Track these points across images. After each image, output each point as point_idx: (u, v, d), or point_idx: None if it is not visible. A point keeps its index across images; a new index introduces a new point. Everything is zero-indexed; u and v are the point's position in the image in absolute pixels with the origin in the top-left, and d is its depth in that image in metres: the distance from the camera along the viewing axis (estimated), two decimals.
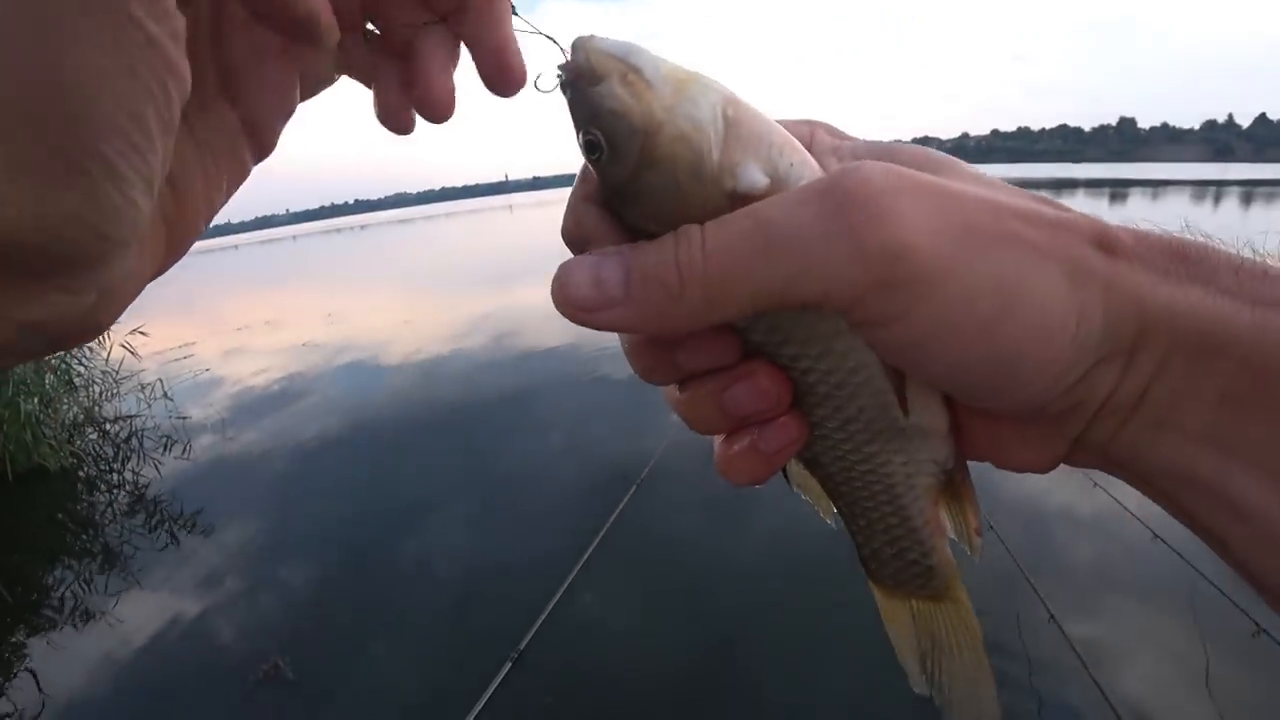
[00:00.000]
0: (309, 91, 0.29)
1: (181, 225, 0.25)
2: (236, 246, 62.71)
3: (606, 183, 0.24)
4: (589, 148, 0.23)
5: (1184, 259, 0.22)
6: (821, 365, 0.25)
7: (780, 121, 0.25)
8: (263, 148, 0.28)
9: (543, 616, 2.21)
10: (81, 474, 5.58)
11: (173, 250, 0.25)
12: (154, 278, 0.25)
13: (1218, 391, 0.22)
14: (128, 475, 5.45)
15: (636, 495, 3.15)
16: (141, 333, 7.32)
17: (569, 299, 0.24)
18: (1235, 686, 2.45)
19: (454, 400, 6.52)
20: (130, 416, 6.66)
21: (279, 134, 0.28)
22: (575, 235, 0.27)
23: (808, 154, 0.24)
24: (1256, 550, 0.23)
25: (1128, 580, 3.09)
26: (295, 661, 2.97)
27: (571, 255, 0.26)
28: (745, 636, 2.94)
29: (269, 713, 2.77)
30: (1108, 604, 2.96)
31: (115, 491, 5.14)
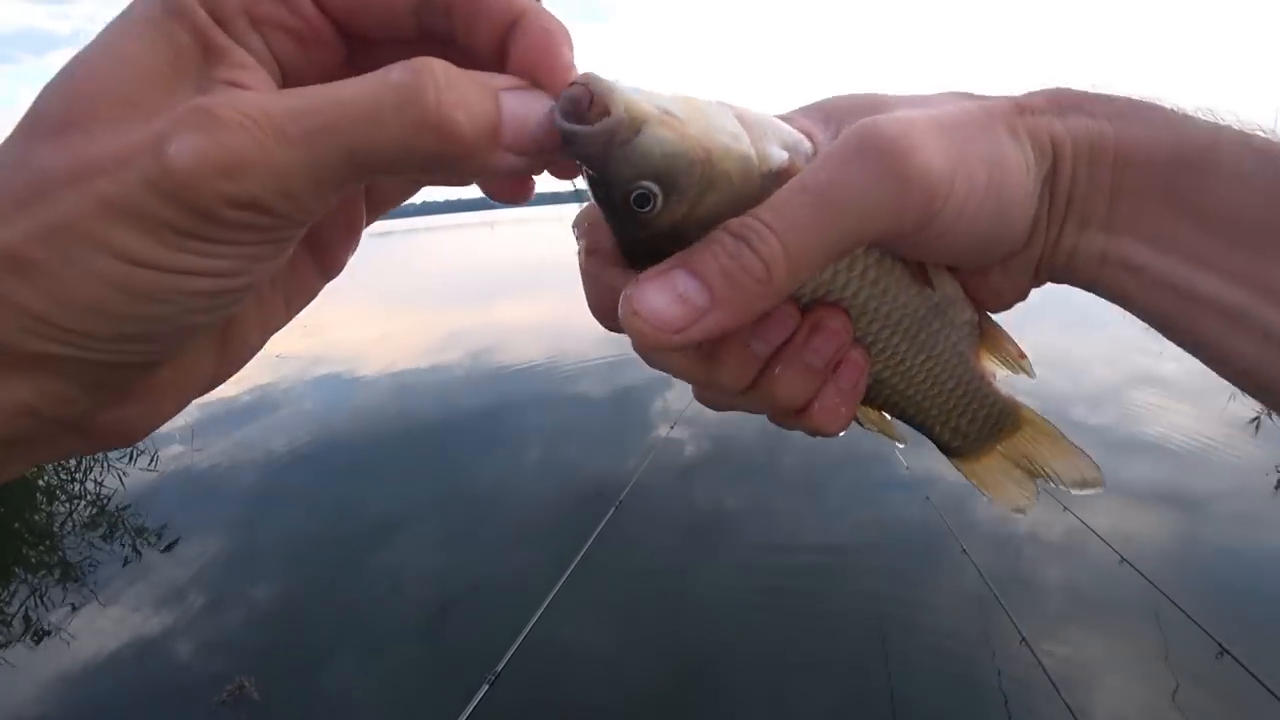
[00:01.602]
0: (384, 210, 0.30)
1: (232, 348, 0.27)
2: None
3: (654, 228, 0.23)
4: (639, 201, 0.22)
5: (1074, 104, 0.30)
6: (866, 280, 0.29)
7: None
8: (330, 268, 0.29)
9: (520, 638, 2.17)
10: (41, 483, 5.40)
11: (222, 370, 0.27)
12: (200, 395, 0.26)
13: (1109, 185, 0.29)
14: (89, 485, 5.29)
15: (616, 516, 3.14)
16: None
17: (656, 324, 0.23)
18: (1202, 708, 2.50)
19: (430, 416, 6.45)
20: None
21: (349, 255, 0.29)
22: (610, 301, 0.26)
23: (797, 132, 0.28)
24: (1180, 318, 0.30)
25: (1097, 603, 3.15)
26: (261, 682, 2.89)
27: (604, 327, 0.28)
28: (720, 661, 2.93)
29: None
30: (1078, 626, 3.01)
31: (76, 502, 4.98)
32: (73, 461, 5.82)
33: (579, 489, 4.56)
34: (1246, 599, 3.22)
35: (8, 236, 0.19)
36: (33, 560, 4.24)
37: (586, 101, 0.21)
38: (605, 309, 0.28)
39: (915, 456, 4.84)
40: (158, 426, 0.25)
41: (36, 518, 4.88)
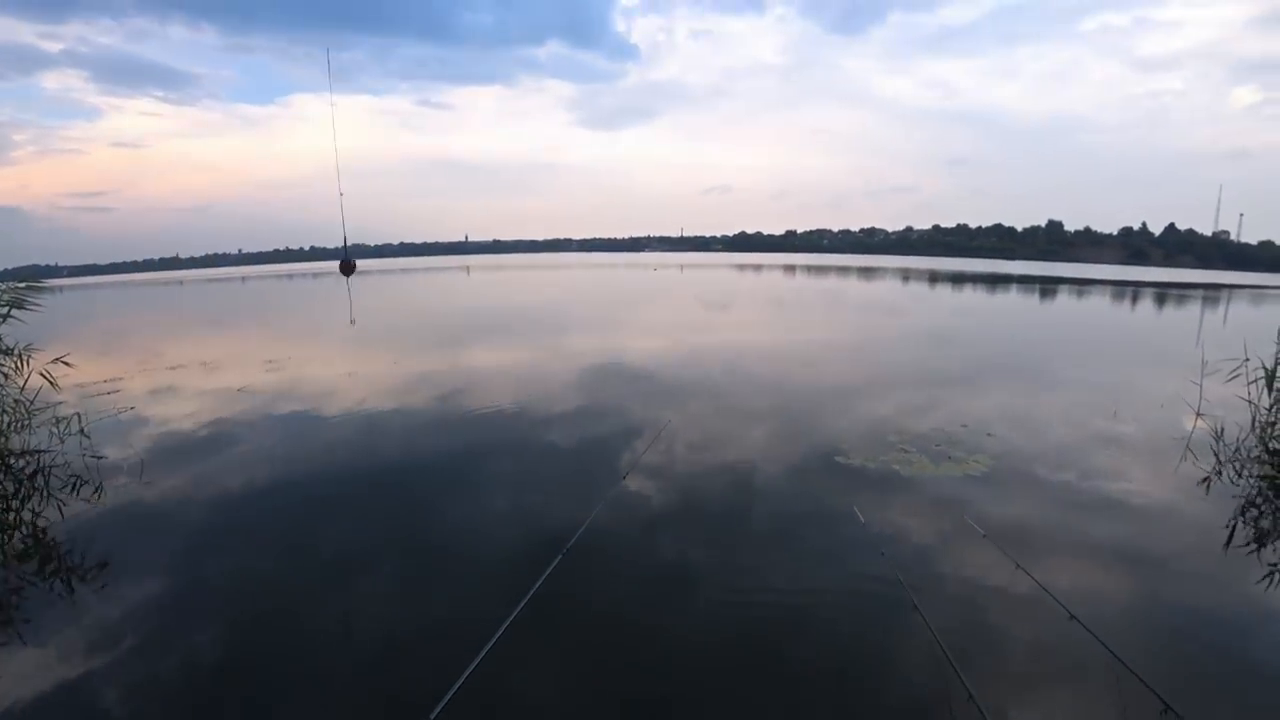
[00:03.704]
0: None
1: None
2: (182, 282, 60.60)
3: None
4: None
5: None
6: None
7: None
8: None
9: (460, 681, 2.12)
10: None
11: None
12: None
13: None
14: (26, 515, 5.05)
15: (566, 561, 3.12)
16: (65, 362, 6.94)
17: None
18: None
19: (390, 458, 6.35)
20: (39, 451, 6.23)
21: None
22: None
23: None
24: None
25: (1048, 659, 3.16)
26: None
27: None
28: (667, 707, 2.87)
29: None
30: (1028, 681, 3.01)
31: (9, 533, 4.74)
32: (10, 487, 5.58)
33: (534, 534, 4.50)
34: (1194, 656, 3.25)
35: None
36: None
37: None
38: None
39: (871, 511, 4.91)
40: None
41: None
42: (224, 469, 6.05)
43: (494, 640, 2.35)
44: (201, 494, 5.42)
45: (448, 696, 2.04)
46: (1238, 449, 6.45)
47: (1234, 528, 4.73)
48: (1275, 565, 4.16)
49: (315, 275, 62.67)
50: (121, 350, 14.60)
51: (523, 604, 2.60)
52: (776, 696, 2.87)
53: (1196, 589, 3.92)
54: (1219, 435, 6.63)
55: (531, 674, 3.05)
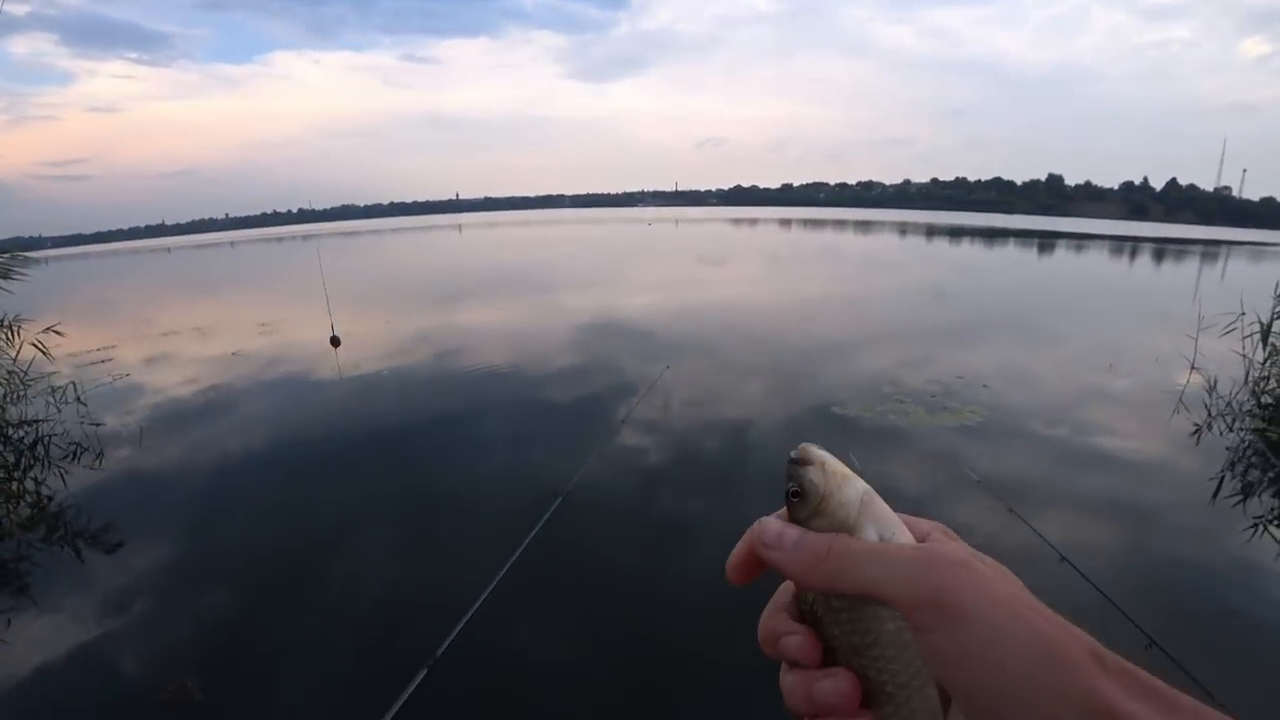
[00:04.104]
0: None
1: None
2: (169, 249, 59.68)
3: (794, 514, 0.38)
4: (791, 494, 0.38)
5: (1154, 693, 0.29)
6: (890, 666, 0.35)
7: (911, 515, 0.39)
8: None
9: (461, 624, 2.19)
10: None
11: None
12: None
13: None
14: (29, 484, 5.09)
15: (559, 512, 3.19)
16: (56, 331, 6.89)
17: (760, 534, 0.38)
18: None
19: (388, 417, 6.37)
20: (37, 421, 6.23)
21: None
22: (771, 632, 0.39)
23: (909, 533, 0.37)
24: None
25: (1038, 598, 3.24)
26: (206, 683, 2.82)
27: (764, 649, 0.39)
28: (661, 647, 2.95)
29: None
30: None
31: (14, 502, 4.78)
32: (11, 457, 5.60)
33: (530, 487, 4.57)
34: (1179, 598, 3.36)
35: None
36: None
37: (802, 456, 0.38)
38: (765, 634, 0.39)
39: (867, 459, 4.97)
40: None
41: None
42: (223, 432, 6.07)
43: (492, 586, 2.41)
44: (202, 458, 5.45)
45: (449, 639, 2.10)
46: (1229, 403, 6.52)
47: (1222, 479, 4.81)
48: (1260, 517, 4.25)
49: (305, 238, 61.91)
50: (112, 319, 14.50)
51: (519, 552, 2.66)
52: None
53: (1183, 537, 4.01)
54: (1212, 389, 6.70)
55: (529, 618, 3.16)
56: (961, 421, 5.93)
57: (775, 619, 0.39)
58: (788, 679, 0.38)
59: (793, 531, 0.37)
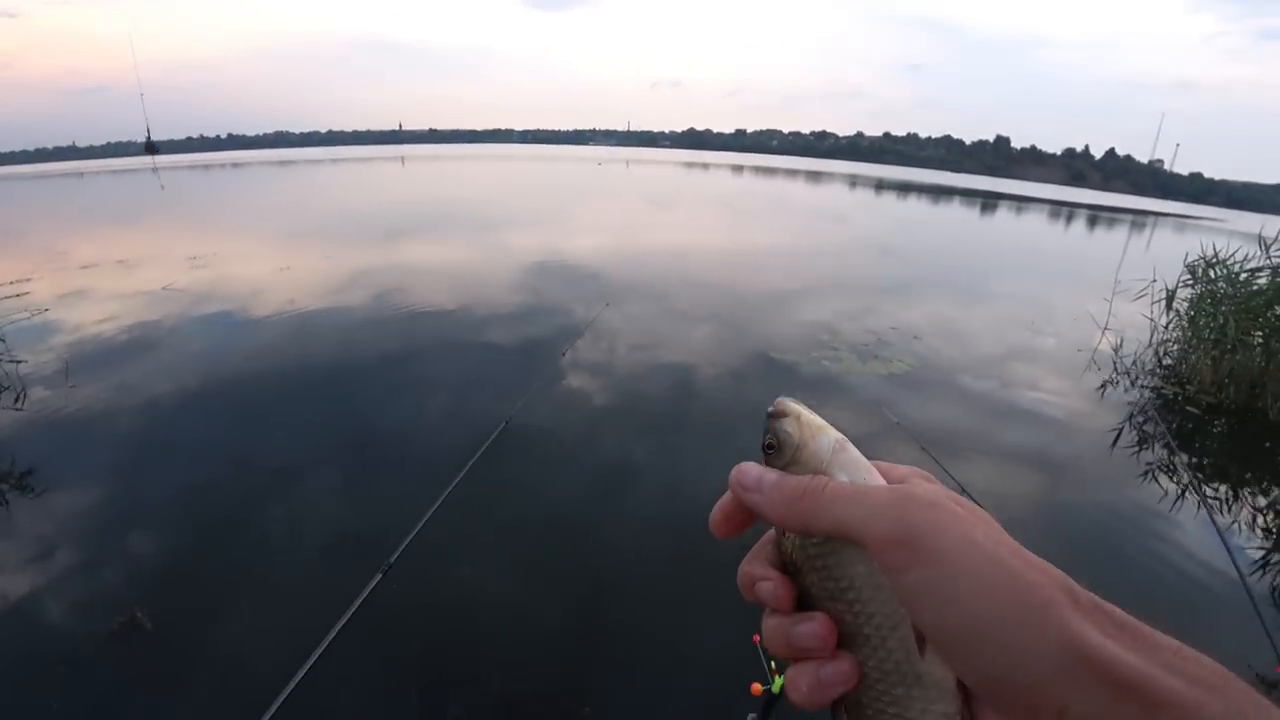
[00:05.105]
0: None
1: None
2: (81, 174, 54.95)
3: (771, 464, 0.39)
4: (768, 446, 0.39)
5: (1129, 629, 0.30)
6: (866, 609, 0.36)
7: (888, 463, 0.40)
8: None
9: (410, 536, 2.34)
10: None
11: None
12: None
13: None
14: None
15: (495, 446, 3.37)
16: None
17: (739, 477, 0.39)
18: None
19: (327, 357, 6.25)
20: None
21: None
22: (748, 577, 0.40)
23: (882, 479, 0.38)
24: None
25: None
26: (155, 613, 2.88)
27: (743, 594, 0.40)
28: (600, 571, 3.13)
29: (131, 665, 2.64)
30: None
31: None
32: None
33: (468, 424, 4.70)
34: (1079, 536, 3.76)
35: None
36: None
37: (778, 409, 0.40)
38: (744, 580, 0.40)
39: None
40: None
41: None
42: (155, 371, 5.85)
43: (430, 513, 2.53)
44: (134, 398, 5.27)
45: (395, 554, 2.24)
46: (1135, 361, 7.05)
47: (1120, 431, 5.26)
48: (1151, 464, 4.70)
49: (235, 165, 58.14)
50: (23, 249, 13.47)
51: (455, 482, 2.79)
52: (710, 583, 3.13)
53: (1084, 483, 4.43)
54: (1118, 348, 7.22)
55: (465, 540, 3.41)
56: (890, 370, 6.28)
57: (753, 565, 0.40)
58: (769, 624, 0.39)
59: (770, 474, 0.38)
